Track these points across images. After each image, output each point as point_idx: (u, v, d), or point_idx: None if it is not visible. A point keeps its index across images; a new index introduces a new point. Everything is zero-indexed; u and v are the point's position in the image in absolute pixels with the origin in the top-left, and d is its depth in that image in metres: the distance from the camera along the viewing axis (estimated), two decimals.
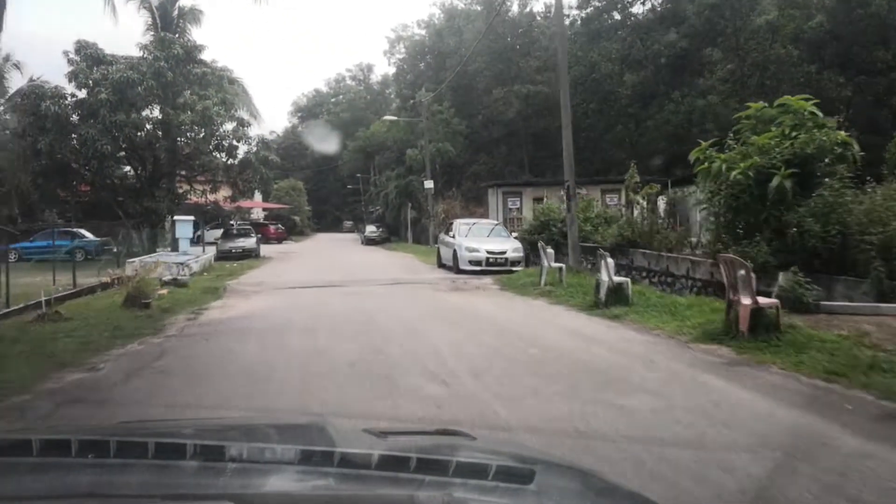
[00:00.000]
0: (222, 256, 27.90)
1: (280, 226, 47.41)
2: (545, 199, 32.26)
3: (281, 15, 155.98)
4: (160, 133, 27.59)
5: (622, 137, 39.03)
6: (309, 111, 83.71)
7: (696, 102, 35.03)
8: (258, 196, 65.88)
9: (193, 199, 31.36)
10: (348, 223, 77.81)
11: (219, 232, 38.48)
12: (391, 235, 45.96)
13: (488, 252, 17.46)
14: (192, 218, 22.78)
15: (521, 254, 17.80)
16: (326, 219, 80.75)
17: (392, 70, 56.55)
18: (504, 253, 17.52)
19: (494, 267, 17.32)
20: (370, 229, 45.66)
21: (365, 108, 70.86)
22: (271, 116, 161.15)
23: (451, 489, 1.16)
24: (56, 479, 1.20)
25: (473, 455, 1.48)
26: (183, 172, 30.38)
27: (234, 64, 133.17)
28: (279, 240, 46.10)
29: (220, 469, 1.21)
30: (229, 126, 29.51)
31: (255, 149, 29.94)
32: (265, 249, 35.79)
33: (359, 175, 62.75)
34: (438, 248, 21.03)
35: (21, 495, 1.12)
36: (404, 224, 43.20)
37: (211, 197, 30.56)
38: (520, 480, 1.26)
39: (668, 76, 37.98)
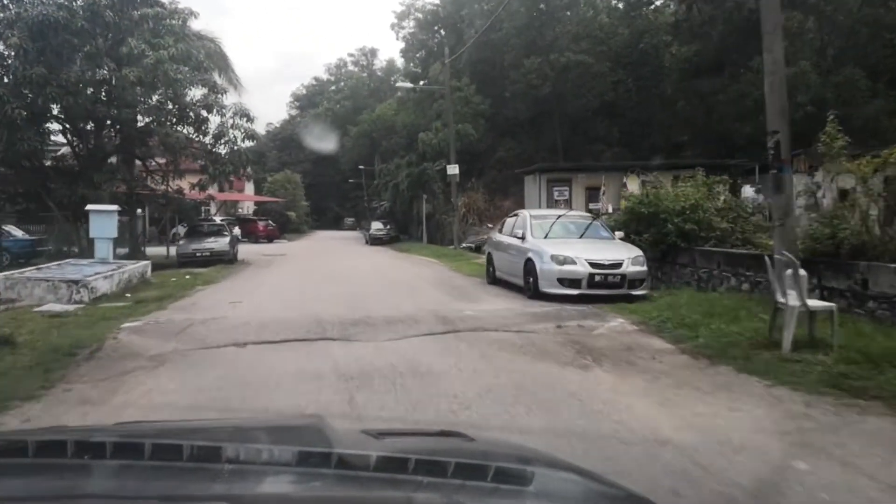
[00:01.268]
0: (184, 261, 20.46)
1: (271, 222, 39.86)
2: (603, 188, 24.88)
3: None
4: (103, 97, 20.07)
5: (686, 116, 31.48)
6: (308, 100, 76.13)
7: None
8: (250, 188, 58.38)
9: (155, 187, 23.92)
10: (350, 220, 70.42)
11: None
12: (400, 233, 38.44)
13: (593, 264, 9.97)
14: (114, 208, 15.38)
15: (644, 266, 10.32)
16: (326, 215, 73.25)
17: (400, 45, 48.77)
18: (619, 266, 10.03)
19: (603, 290, 9.88)
20: (376, 226, 38.10)
21: (368, 96, 63.23)
22: (268, 111, 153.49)
23: (449, 491, 1.11)
24: (52, 481, 1.16)
25: (472, 456, 1.42)
26: (139, 152, 22.92)
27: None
28: (269, 238, 38.60)
29: (217, 470, 1.16)
30: (198, 92, 22.12)
31: (230, 120, 22.38)
32: (249, 250, 28.27)
33: (361, 167, 55.21)
34: (489, 254, 13.55)
35: (17, 497, 1.06)
36: (417, 220, 35.64)
37: (175, 184, 23.08)
38: (519, 482, 1.22)
39: (740, 41, 30.48)
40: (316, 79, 78.20)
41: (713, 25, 30.86)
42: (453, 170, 25.60)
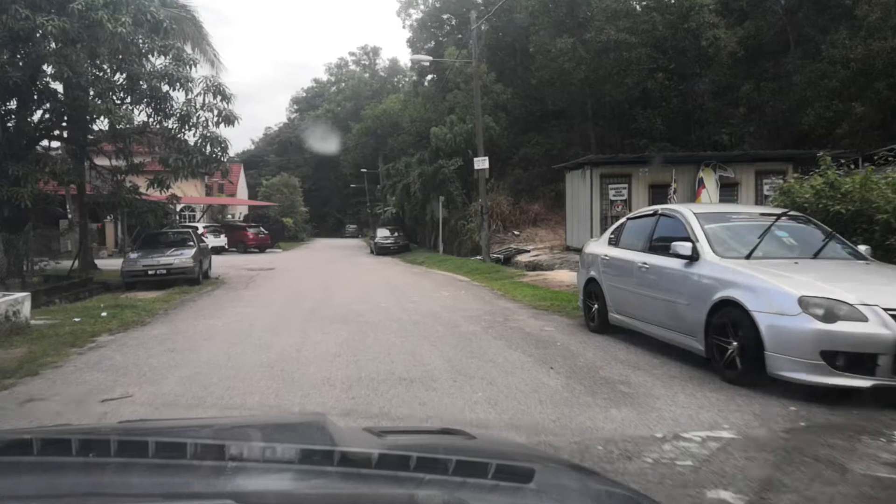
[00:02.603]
0: (132, 282, 14.75)
1: (262, 229, 33.96)
2: (674, 185, 19.16)
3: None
4: (19, 58, 14.42)
5: (743, 103, 25.79)
6: (308, 103, 70.54)
7: (871, 45, 21.82)
8: (243, 191, 52.45)
9: (102, 184, 18.20)
10: (351, 227, 64.76)
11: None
12: (410, 241, 32.66)
13: None
14: None
15: None
16: (327, 222, 67.54)
17: (407, 35, 43.10)
18: None
19: None
20: (382, 234, 32.23)
21: (371, 97, 57.57)
22: (269, 119, 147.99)
23: (451, 488, 1.07)
24: (56, 479, 1.11)
25: (473, 454, 1.40)
26: (81, 138, 17.20)
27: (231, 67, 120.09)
28: (260, 248, 32.80)
29: (221, 468, 1.13)
30: (158, 62, 16.46)
31: (199, 97, 16.66)
32: (232, 263, 22.55)
33: (364, 170, 49.50)
34: (592, 280, 7.74)
35: (21, 495, 1.03)
36: (430, 226, 29.88)
37: (128, 180, 17.35)
38: (520, 479, 1.18)
39: (811, 13, 24.89)
40: (316, 80, 72.75)
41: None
42: (482, 163, 19.87)
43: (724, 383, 5.05)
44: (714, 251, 5.66)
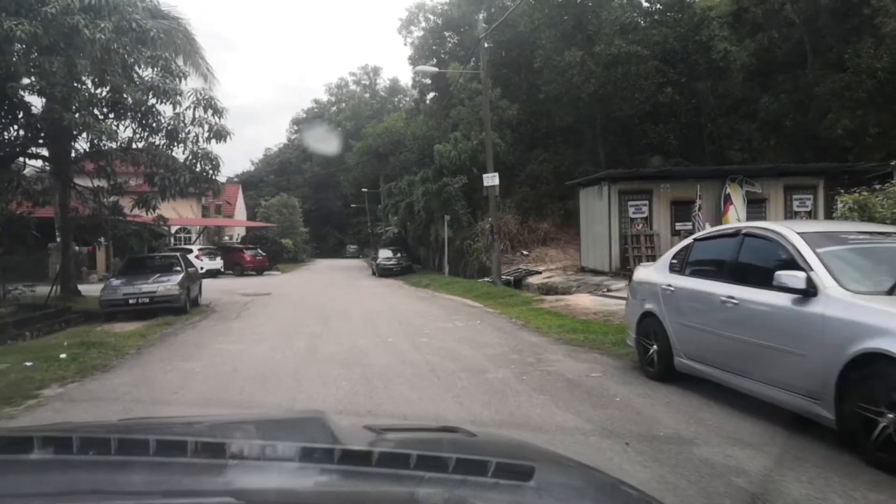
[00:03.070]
0: (111, 311, 13.29)
1: (260, 251, 32.48)
2: (699, 202, 17.70)
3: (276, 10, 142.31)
4: None
5: (759, 116, 24.51)
6: (308, 124, 69.52)
7: None
8: (241, 213, 51.07)
9: (83, 205, 16.79)
10: (352, 247, 63.32)
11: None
12: (412, 262, 31.19)
13: None
14: None
15: None
16: (327, 242, 66.11)
17: (408, 53, 42.00)
18: None
19: None
20: (385, 255, 30.74)
21: (371, 117, 56.46)
22: (270, 141, 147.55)
23: (451, 486, 1.07)
24: (57, 477, 1.12)
25: (473, 452, 1.38)
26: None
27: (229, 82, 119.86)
28: (258, 270, 31.33)
29: (221, 466, 1.12)
30: (146, 73, 15.21)
31: (188, 112, 15.32)
32: (226, 287, 21.14)
33: (365, 189, 48.19)
34: (649, 314, 6.28)
35: (23, 493, 1.02)
36: (435, 246, 28.44)
37: (109, 201, 15.97)
38: (520, 477, 1.16)
39: (830, 23, 23.68)
40: (316, 101, 71.67)
41: (797, 9, 24.03)
42: (492, 179, 18.49)
43: (880, 473, 3.57)
44: (839, 283, 4.19)
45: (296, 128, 73.48)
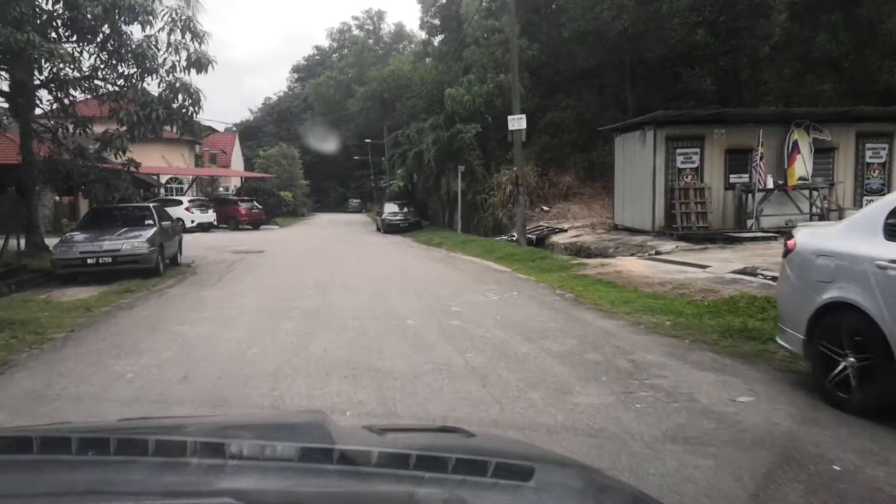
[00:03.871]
0: (66, 274, 10.90)
1: (256, 204, 29.91)
2: (760, 151, 15.04)
3: None
4: None
5: (812, 57, 21.59)
6: (309, 71, 65.90)
7: None
8: (238, 162, 48.20)
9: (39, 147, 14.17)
10: (355, 201, 60.69)
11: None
12: (421, 218, 28.67)
13: None
14: None
15: None
16: (329, 196, 63.40)
17: None
18: None
19: None
20: (391, 210, 28.16)
21: (375, 63, 53.06)
22: (269, 88, 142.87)
23: (451, 486, 1.03)
24: (56, 477, 1.07)
25: (473, 452, 1.34)
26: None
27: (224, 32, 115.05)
28: (255, 224, 28.86)
29: (220, 466, 1.08)
30: None
31: (162, 34, 12.58)
32: (217, 243, 18.74)
33: (368, 140, 45.26)
34: (860, 318, 3.85)
35: (21, 493, 1.00)
36: (446, 200, 25.85)
37: (71, 140, 13.36)
38: (519, 477, 1.11)
39: None
40: (317, 47, 67.88)
41: None
42: (518, 122, 15.74)
43: None
44: None
45: (296, 75, 69.93)
